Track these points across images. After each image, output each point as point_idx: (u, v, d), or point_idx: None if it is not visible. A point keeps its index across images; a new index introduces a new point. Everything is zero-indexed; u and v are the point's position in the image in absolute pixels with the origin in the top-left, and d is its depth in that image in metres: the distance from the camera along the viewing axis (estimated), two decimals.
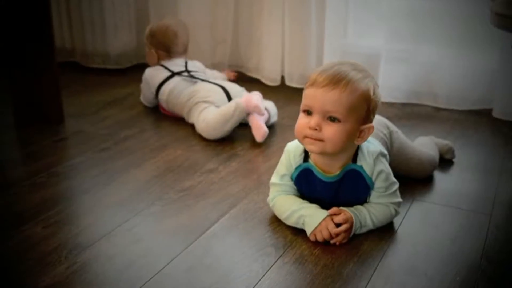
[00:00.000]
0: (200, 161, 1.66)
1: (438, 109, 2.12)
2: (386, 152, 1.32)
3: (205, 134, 1.82)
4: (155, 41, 2.13)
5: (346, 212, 1.25)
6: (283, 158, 1.34)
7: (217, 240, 1.25)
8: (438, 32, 2.07)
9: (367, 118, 1.23)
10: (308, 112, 1.22)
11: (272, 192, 1.35)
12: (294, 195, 1.34)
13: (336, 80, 1.18)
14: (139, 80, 2.16)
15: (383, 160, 1.29)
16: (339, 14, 2.19)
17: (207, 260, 1.17)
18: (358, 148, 1.28)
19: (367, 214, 1.27)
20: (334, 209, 1.26)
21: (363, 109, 1.21)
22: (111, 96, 2.26)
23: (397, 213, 1.31)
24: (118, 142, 1.81)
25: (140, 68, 2.29)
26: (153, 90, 2.07)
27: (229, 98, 1.93)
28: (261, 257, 1.18)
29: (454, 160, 1.68)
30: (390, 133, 1.47)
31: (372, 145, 1.30)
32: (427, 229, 1.31)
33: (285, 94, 2.28)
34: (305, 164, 1.30)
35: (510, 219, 1.36)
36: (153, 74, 2.09)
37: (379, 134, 1.41)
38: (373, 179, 1.28)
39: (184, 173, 1.58)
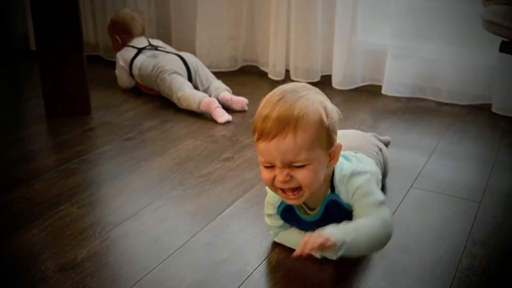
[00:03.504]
0: (217, 150, 1.81)
1: (440, 104, 2.25)
2: (363, 169, 1.21)
3: (181, 107, 2.15)
4: (116, 28, 2.47)
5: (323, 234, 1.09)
6: (267, 196, 1.26)
7: (232, 220, 1.41)
8: (441, 30, 2.19)
9: (330, 141, 1.13)
10: (269, 166, 1.12)
11: (271, 229, 1.30)
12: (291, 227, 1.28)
13: (283, 125, 1.07)
14: None
15: (358, 177, 1.18)
16: (348, 12, 2.30)
17: (223, 237, 1.33)
18: (333, 171, 1.19)
19: (350, 231, 1.10)
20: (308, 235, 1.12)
21: (323, 136, 1.11)
22: (133, 89, 2.42)
23: (388, 227, 1.15)
24: (142, 132, 1.97)
25: None
26: (127, 69, 2.35)
27: (187, 66, 2.27)
28: (271, 236, 1.33)
29: (452, 151, 1.81)
30: (380, 150, 1.48)
31: (344, 165, 1.20)
32: (420, 213, 1.45)
33: None
34: (285, 203, 1.22)
35: (498, 206, 1.49)
36: (124, 55, 2.40)
37: (372, 153, 1.42)
38: (351, 202, 1.18)
39: (203, 161, 1.73)
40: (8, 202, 1.50)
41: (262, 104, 1.13)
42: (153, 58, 2.32)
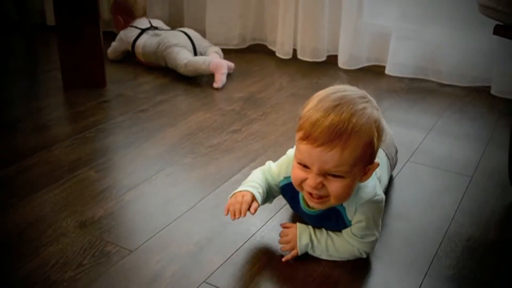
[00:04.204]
0: (226, 123, 1.91)
1: (442, 85, 2.33)
2: (379, 197, 1.18)
3: (185, 73, 2.30)
4: (119, 9, 2.62)
5: (292, 229, 1.22)
6: (284, 158, 1.25)
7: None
8: (444, 14, 2.26)
9: (372, 159, 1.11)
10: (304, 165, 1.10)
11: (264, 169, 1.29)
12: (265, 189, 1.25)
13: (334, 137, 1.02)
14: None
15: (371, 206, 1.16)
16: None
17: None
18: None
19: (323, 237, 1.20)
20: (286, 223, 1.26)
21: (368, 154, 1.08)
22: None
23: (362, 255, 1.20)
24: (155, 105, 2.07)
25: None
26: (129, 47, 2.49)
27: (191, 41, 2.42)
28: (274, 201, 1.43)
29: (450, 129, 1.90)
30: (396, 153, 1.49)
31: (367, 188, 1.16)
32: (415, 185, 1.55)
33: (297, 67, 2.51)
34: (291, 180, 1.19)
35: (488, 181, 1.58)
36: (127, 34, 2.52)
37: (391, 154, 1.42)
38: (352, 223, 1.18)
39: (213, 132, 1.83)
40: (30, 166, 1.61)
41: (314, 103, 1.08)
42: (156, 36, 2.45)
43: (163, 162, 1.64)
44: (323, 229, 1.21)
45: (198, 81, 2.32)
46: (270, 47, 2.71)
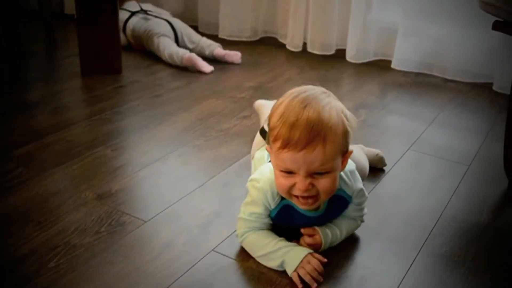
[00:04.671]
0: (236, 109, 2.00)
1: (446, 80, 2.41)
2: (352, 165, 1.24)
3: (168, 62, 2.45)
4: None
5: (317, 237, 1.22)
6: (255, 196, 1.20)
7: (247, 166, 1.59)
8: (449, 11, 2.34)
9: (347, 148, 1.14)
10: (288, 172, 1.10)
11: (241, 227, 1.23)
12: (267, 229, 1.23)
13: (313, 136, 1.05)
14: None
15: (357, 174, 1.24)
16: None
17: (238, 180, 1.52)
18: None
19: (338, 234, 1.24)
20: (308, 230, 1.22)
21: (344, 145, 1.11)
22: None
23: (360, 223, 1.31)
24: (168, 91, 2.16)
25: None
26: (121, 28, 2.58)
27: (174, 29, 2.57)
28: None
29: (451, 121, 1.98)
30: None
31: (348, 170, 1.21)
32: (414, 171, 1.63)
33: (307, 59, 2.60)
34: (285, 201, 1.19)
35: (485, 170, 1.66)
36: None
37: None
38: (353, 197, 1.23)
39: (223, 118, 1.92)
40: (51, 143, 1.70)
41: (282, 107, 1.09)
42: (145, 21, 2.61)
43: (175, 143, 1.73)
44: (334, 228, 1.24)
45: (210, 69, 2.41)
46: (280, 40, 2.79)
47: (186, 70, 2.41)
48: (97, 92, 2.13)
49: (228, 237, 1.28)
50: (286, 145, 1.06)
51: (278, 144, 1.07)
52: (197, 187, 1.48)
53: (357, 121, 1.16)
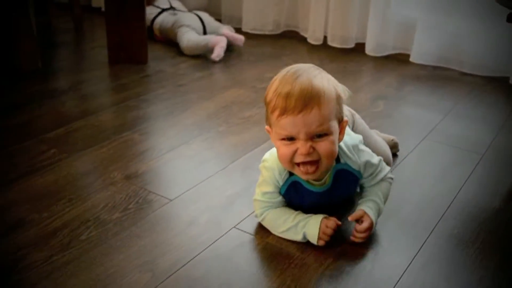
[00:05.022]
0: (258, 98, 2.07)
1: (463, 74, 2.45)
2: (361, 137, 1.32)
3: (186, 51, 2.55)
4: None
5: (367, 217, 1.26)
6: (266, 175, 1.28)
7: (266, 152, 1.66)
8: (467, 6, 2.38)
9: (341, 115, 1.21)
10: (289, 139, 1.17)
11: (257, 208, 1.31)
12: (283, 206, 1.31)
13: (309, 99, 1.12)
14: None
15: (363, 147, 1.30)
16: None
17: (258, 164, 1.55)
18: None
19: (381, 203, 1.30)
20: (356, 215, 1.27)
21: (338, 110, 1.18)
22: None
23: (392, 181, 1.36)
24: (192, 81, 2.24)
25: None
26: (148, 23, 2.69)
27: (203, 24, 2.67)
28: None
29: (467, 113, 2.03)
30: (353, 115, 1.49)
31: (348, 137, 1.28)
32: (429, 159, 1.69)
33: (327, 52, 2.66)
34: (292, 178, 1.26)
35: (497, 160, 1.70)
36: (148, 11, 2.73)
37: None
38: (362, 171, 1.28)
39: (245, 106, 1.99)
40: (79, 128, 1.79)
41: (276, 82, 1.17)
42: (173, 16, 2.71)
43: (199, 129, 1.80)
44: (371, 203, 1.29)
45: (233, 62, 2.48)
46: (302, 34, 2.85)
47: (209, 61, 2.48)
48: (124, 80, 2.22)
49: (248, 215, 1.35)
50: (285, 111, 1.13)
51: (276, 112, 1.15)
52: (219, 170, 1.56)
53: (349, 92, 1.24)
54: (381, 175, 1.32)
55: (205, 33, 2.66)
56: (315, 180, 1.26)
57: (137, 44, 2.39)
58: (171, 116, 1.90)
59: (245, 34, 2.83)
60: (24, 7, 2.18)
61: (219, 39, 2.49)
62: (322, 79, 1.17)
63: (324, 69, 2.38)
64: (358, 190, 1.37)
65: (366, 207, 1.28)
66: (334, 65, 2.49)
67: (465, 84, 2.34)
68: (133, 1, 2.32)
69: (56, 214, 1.34)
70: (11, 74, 2.21)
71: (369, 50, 2.62)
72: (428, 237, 1.31)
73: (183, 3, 2.97)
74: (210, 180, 1.51)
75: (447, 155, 1.72)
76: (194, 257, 1.20)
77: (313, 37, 2.74)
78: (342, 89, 1.21)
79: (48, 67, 2.33)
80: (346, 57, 2.61)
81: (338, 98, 1.18)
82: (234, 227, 1.31)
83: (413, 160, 1.67)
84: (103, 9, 3.13)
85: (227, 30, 2.68)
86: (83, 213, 1.34)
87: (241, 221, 1.34)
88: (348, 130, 1.31)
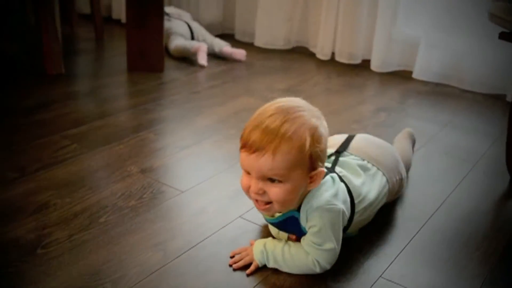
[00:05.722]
0: None
1: (463, 91, 2.57)
2: (334, 206, 1.19)
3: (174, 53, 2.79)
4: None
5: (249, 253, 1.25)
6: None
7: None
8: (468, 26, 2.50)
9: (313, 166, 1.14)
10: (247, 172, 1.17)
11: None
12: None
13: (265, 143, 1.09)
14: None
15: (322, 214, 1.17)
16: (390, 4, 2.64)
17: None
18: (308, 193, 1.20)
19: (280, 257, 1.22)
20: (236, 251, 1.27)
21: (305, 161, 1.12)
22: None
23: (317, 268, 1.20)
24: (206, 89, 2.38)
25: (227, 36, 2.93)
26: None
27: (191, 31, 2.91)
28: None
29: (464, 126, 2.14)
30: (401, 180, 1.48)
31: (321, 196, 1.19)
32: (423, 165, 1.80)
33: (334, 67, 2.79)
34: None
35: (489, 168, 1.82)
36: None
37: (392, 179, 1.43)
38: (306, 228, 1.21)
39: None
40: (100, 126, 1.92)
41: (257, 112, 1.17)
42: (167, 22, 2.88)
43: (211, 132, 1.93)
44: (283, 240, 1.26)
45: (244, 73, 2.62)
46: (311, 50, 2.99)
47: (223, 71, 2.63)
48: (141, 86, 2.36)
49: (253, 207, 1.46)
50: (244, 146, 1.14)
51: (240, 144, 1.15)
52: (228, 167, 1.68)
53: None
54: (316, 253, 1.19)
55: (192, 38, 2.90)
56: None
57: (155, 53, 2.53)
58: (185, 119, 2.03)
59: (257, 49, 2.98)
60: (52, 17, 2.33)
61: (199, 45, 2.71)
62: (295, 124, 1.11)
63: (330, 82, 2.55)
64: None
65: (258, 248, 1.24)
66: (340, 78, 2.62)
67: (465, 100, 2.46)
68: (152, 13, 2.46)
69: (77, 200, 1.46)
70: (37, 77, 2.36)
71: (374, 66, 2.75)
72: (419, 231, 1.42)
73: (191, 16, 3.14)
74: (219, 176, 1.63)
75: (442, 162, 1.83)
76: (202, 241, 1.32)
77: (322, 52, 2.88)
78: (319, 139, 1.14)
79: (71, 72, 2.48)
80: (352, 72, 2.74)
81: (304, 148, 1.11)
82: (240, 216, 1.43)
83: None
84: (122, 21, 3.32)
85: (228, 47, 2.84)
86: (101, 200, 1.47)
87: (246, 211, 1.45)
88: (339, 196, 1.22)
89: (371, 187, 1.34)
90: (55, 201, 1.45)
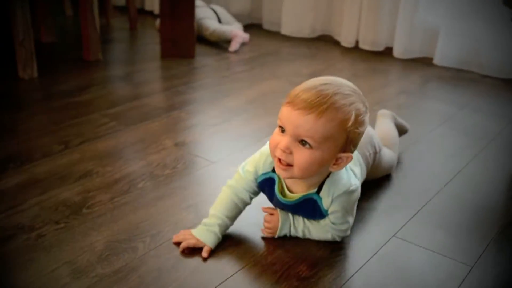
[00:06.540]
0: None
1: (483, 76, 2.65)
2: (357, 185, 1.24)
3: (212, 37, 2.93)
4: None
5: (275, 218, 1.29)
6: (255, 156, 1.30)
7: None
8: (485, 13, 2.58)
9: (346, 147, 1.15)
10: (283, 130, 1.14)
11: (233, 178, 1.32)
12: (241, 198, 1.31)
13: (314, 104, 1.08)
14: (254, 34, 3.03)
15: (347, 197, 1.22)
16: None
17: None
18: (329, 175, 1.21)
19: (301, 230, 1.29)
20: (268, 208, 1.32)
21: (341, 138, 1.12)
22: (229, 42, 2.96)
23: (335, 239, 1.29)
24: (235, 73, 2.50)
25: (254, 26, 3.09)
26: None
27: (218, 16, 3.06)
28: None
29: (482, 107, 2.23)
30: (375, 153, 1.49)
31: (343, 179, 1.22)
32: (439, 142, 1.89)
33: (358, 54, 2.90)
34: (271, 174, 1.26)
35: (503, 147, 1.90)
36: None
37: (365, 153, 1.44)
38: (328, 212, 1.25)
39: (281, 94, 2.22)
40: (135, 106, 2.06)
41: (309, 80, 1.16)
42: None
43: (239, 111, 2.06)
44: (301, 219, 1.29)
45: (271, 59, 2.74)
46: (336, 38, 3.10)
47: (251, 58, 2.75)
48: (173, 71, 2.49)
49: None
50: (290, 102, 1.12)
51: (287, 99, 1.14)
52: (255, 142, 1.80)
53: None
54: (339, 232, 1.28)
55: (219, 21, 3.05)
56: (288, 189, 1.26)
57: (187, 40, 2.67)
58: (215, 100, 2.16)
59: (284, 37, 3.10)
60: (91, 7, 2.48)
61: (236, 32, 2.85)
62: (346, 101, 1.11)
63: (355, 67, 2.65)
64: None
65: (286, 217, 1.29)
66: (364, 64, 2.72)
67: (484, 84, 2.54)
68: (184, 3, 2.60)
69: (117, 169, 1.60)
70: (77, 63, 2.51)
71: (396, 53, 2.84)
72: (432, 198, 1.53)
73: (227, 9, 3.26)
74: (246, 149, 1.75)
75: (459, 139, 1.93)
76: None
77: (346, 40, 2.98)
78: (362, 123, 1.14)
79: (107, 59, 2.63)
80: (376, 58, 2.84)
81: (347, 124, 1.11)
82: None
83: (426, 141, 1.89)
84: (155, 12, 3.46)
85: (237, 29, 3.00)
86: (139, 169, 1.61)
87: None
88: (351, 173, 1.26)
89: (354, 164, 1.35)
90: (97, 169, 1.59)
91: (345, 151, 1.15)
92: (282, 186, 1.27)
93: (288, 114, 1.12)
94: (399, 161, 1.72)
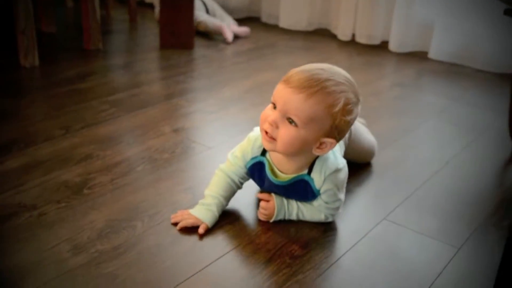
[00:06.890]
0: None
1: (476, 70, 2.69)
2: (344, 163, 1.29)
3: (200, 27, 2.95)
4: None
5: (271, 205, 1.33)
6: (244, 142, 1.35)
7: None
8: (479, 8, 2.62)
9: (331, 132, 1.19)
10: (275, 106, 1.20)
11: (224, 164, 1.38)
12: (233, 180, 1.36)
13: (306, 85, 1.14)
14: (252, 27, 3.07)
15: (337, 175, 1.27)
16: None
17: None
18: (317, 158, 1.27)
19: (295, 213, 1.34)
20: (264, 195, 1.35)
21: (327, 122, 1.17)
22: None
23: (328, 219, 1.34)
24: (233, 64, 2.55)
25: (253, 19, 3.11)
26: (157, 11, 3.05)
27: (206, 7, 3.08)
28: None
29: (475, 100, 2.28)
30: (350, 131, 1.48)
31: (331, 158, 1.27)
32: (430, 133, 1.94)
33: (354, 48, 2.94)
34: (261, 158, 1.32)
35: (494, 138, 1.95)
36: None
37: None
38: (320, 192, 1.29)
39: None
40: (135, 93, 2.11)
41: (307, 64, 1.23)
42: None
43: (237, 100, 2.11)
44: (294, 202, 1.34)
45: (269, 51, 2.79)
46: (332, 31, 3.14)
47: (249, 50, 2.79)
48: (173, 61, 2.54)
49: None
50: (285, 80, 1.18)
51: (283, 78, 1.20)
52: (251, 129, 1.83)
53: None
54: (331, 210, 1.33)
55: (207, 12, 3.09)
56: (278, 169, 1.30)
57: (186, 31, 2.71)
58: (213, 90, 2.21)
59: (282, 30, 3.14)
60: None
61: (220, 24, 2.91)
62: (338, 88, 1.17)
63: (351, 60, 2.70)
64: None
65: (280, 201, 1.33)
66: (360, 57, 2.77)
67: (477, 78, 2.58)
68: None
69: (117, 152, 1.65)
70: (78, 52, 2.55)
71: (392, 47, 2.89)
72: (422, 185, 1.57)
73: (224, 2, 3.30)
74: (242, 136, 1.75)
75: (450, 131, 1.98)
76: None
77: (343, 34, 3.03)
78: (349, 112, 1.19)
79: (107, 48, 2.67)
80: (371, 51, 2.89)
81: (333, 113, 1.16)
82: None
83: (419, 132, 1.94)
84: (154, 5, 3.49)
85: (234, 26, 3.03)
86: (138, 152, 1.65)
87: None
88: (337, 153, 1.30)
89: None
90: (97, 153, 1.63)
91: (330, 136, 1.20)
92: (272, 168, 1.31)
93: (280, 91, 1.19)
94: (392, 149, 1.76)
